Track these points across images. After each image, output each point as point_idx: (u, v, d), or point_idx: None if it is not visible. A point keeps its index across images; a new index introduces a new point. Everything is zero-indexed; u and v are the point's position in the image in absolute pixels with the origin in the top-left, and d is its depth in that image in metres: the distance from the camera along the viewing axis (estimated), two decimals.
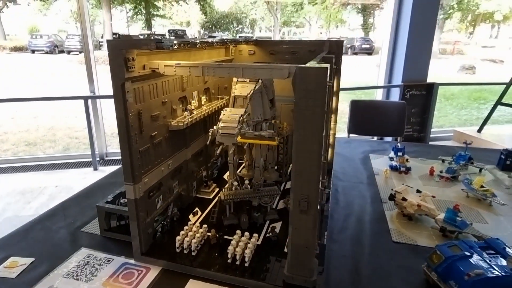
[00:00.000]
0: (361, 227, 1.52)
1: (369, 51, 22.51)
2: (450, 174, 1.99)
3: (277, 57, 1.94)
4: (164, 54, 1.29)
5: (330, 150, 2.05)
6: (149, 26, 23.36)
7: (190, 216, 1.50)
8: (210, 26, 25.30)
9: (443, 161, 2.24)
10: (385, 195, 1.79)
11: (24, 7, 22.13)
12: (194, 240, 1.24)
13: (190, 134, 1.52)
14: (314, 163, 0.96)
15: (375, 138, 5.40)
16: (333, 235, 1.45)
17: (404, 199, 1.56)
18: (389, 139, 5.10)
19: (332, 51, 1.79)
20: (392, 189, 1.64)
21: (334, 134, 2.01)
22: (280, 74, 1.00)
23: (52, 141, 6.06)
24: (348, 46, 22.89)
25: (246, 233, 1.29)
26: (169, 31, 20.80)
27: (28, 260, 1.24)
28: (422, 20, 4.99)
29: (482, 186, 1.75)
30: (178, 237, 1.26)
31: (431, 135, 5.81)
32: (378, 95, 5.89)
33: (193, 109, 1.53)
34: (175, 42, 1.06)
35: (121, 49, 0.99)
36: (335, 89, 1.88)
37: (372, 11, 26.64)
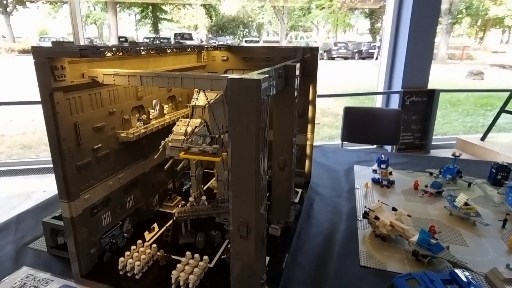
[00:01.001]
0: (329, 248, 1.41)
1: (376, 56, 22.30)
2: (435, 189, 1.86)
3: (251, 63, 1.85)
4: (113, 61, 1.21)
5: (307, 162, 1.94)
6: (156, 29, 23.57)
7: (146, 233, 1.41)
8: (216, 30, 25.39)
9: (430, 174, 2.11)
10: (361, 212, 1.68)
11: (33, 10, 22.55)
12: (137, 263, 1.14)
13: (148, 145, 1.44)
14: (251, 186, 0.86)
15: (375, 146, 5.27)
16: (297, 256, 1.35)
17: (376, 218, 1.45)
18: (388, 147, 4.96)
19: (306, 57, 1.69)
20: (365, 206, 1.53)
21: (312, 145, 1.91)
22: (220, 85, 0.91)
23: (47, 145, 6.05)
24: (355, 50, 22.73)
25: (196, 255, 1.19)
26: (175, 34, 20.89)
27: None
28: (422, 25, 4.85)
29: (466, 204, 1.62)
30: (121, 258, 1.17)
31: (432, 143, 5.63)
32: (378, 101, 5.75)
33: (151, 119, 1.44)
34: (113, 49, 0.98)
35: (47, 56, 0.92)
36: (310, 97, 1.78)
37: (379, 16, 26.42)
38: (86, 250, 1.16)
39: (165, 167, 1.28)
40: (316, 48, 1.70)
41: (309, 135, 1.87)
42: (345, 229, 1.54)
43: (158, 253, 1.23)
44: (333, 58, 20.97)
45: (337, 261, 1.33)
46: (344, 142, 3.59)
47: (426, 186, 1.91)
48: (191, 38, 20.39)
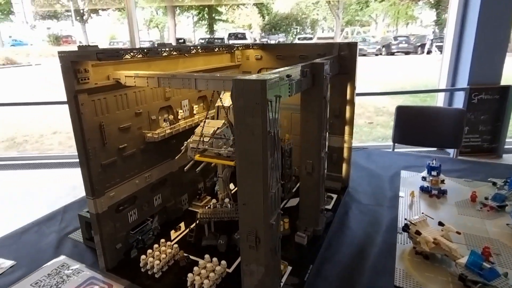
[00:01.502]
0: (361, 262, 1.29)
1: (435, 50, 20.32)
2: (497, 202, 1.60)
3: (284, 62, 1.78)
4: (140, 63, 1.23)
5: (344, 166, 1.81)
6: (211, 30, 24.41)
7: (172, 232, 1.42)
8: (269, 28, 25.45)
9: (493, 184, 1.83)
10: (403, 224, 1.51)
11: (105, 17, 24.91)
12: (157, 262, 1.16)
13: (176, 145, 1.45)
14: (259, 195, 0.80)
15: (434, 149, 4.79)
16: (323, 268, 1.25)
17: (418, 233, 1.28)
18: (450, 151, 4.47)
19: (343, 54, 1.56)
20: (405, 218, 1.37)
21: (350, 148, 1.77)
22: (231, 86, 0.86)
23: None
24: (418, 44, 21.00)
25: (214, 259, 1.16)
26: (229, 34, 21.43)
27: (9, 263, 1.29)
28: (495, 12, 4.25)
29: None
30: (143, 256, 1.19)
31: (505, 146, 4.95)
32: (440, 100, 5.22)
33: (179, 119, 1.45)
34: (130, 52, 0.99)
35: (70, 60, 0.96)
36: (348, 97, 1.65)
37: (447, 5, 24.07)
38: (111, 245, 1.20)
39: (185, 168, 1.28)
40: (355, 44, 1.56)
41: (346, 137, 1.73)
42: (382, 242, 1.40)
43: (179, 254, 1.23)
44: (392, 53, 19.63)
45: (368, 277, 1.20)
46: (395, 144, 3.31)
47: (486, 199, 1.66)
48: (244, 38, 20.71)
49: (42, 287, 1.17)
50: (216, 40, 19.75)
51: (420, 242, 1.26)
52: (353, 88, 1.64)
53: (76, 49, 0.95)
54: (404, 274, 1.21)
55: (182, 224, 1.47)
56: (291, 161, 1.71)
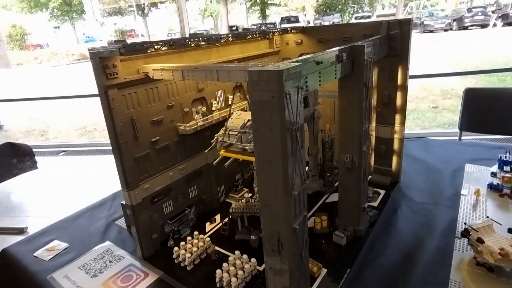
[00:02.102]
0: (408, 268, 1.15)
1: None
2: None
3: (326, 45, 1.63)
4: (171, 55, 1.22)
5: (395, 158, 1.63)
6: (264, 15, 24.16)
7: (207, 224, 1.43)
8: (324, 9, 24.33)
9: None
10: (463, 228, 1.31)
11: (163, 10, 26.17)
12: (188, 255, 1.16)
13: (211, 136, 1.43)
14: (279, 196, 0.73)
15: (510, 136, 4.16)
16: (362, 273, 1.14)
17: (480, 241, 1.10)
18: None
19: (393, 34, 1.37)
20: (464, 223, 1.18)
21: (401, 139, 1.59)
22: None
23: None
24: (499, 15, 18.27)
25: (244, 256, 1.13)
26: (281, 18, 20.99)
27: (64, 246, 1.41)
28: None
29: None
30: (175, 248, 1.21)
31: None
32: None
33: (213, 111, 1.42)
34: (155, 45, 0.97)
35: (98, 57, 0.97)
36: (399, 81, 1.46)
37: None
38: (147, 235, 1.24)
39: (214, 162, 1.25)
40: (408, 22, 1.36)
41: (397, 127, 1.55)
42: (435, 248, 1.23)
43: (211, 248, 1.22)
44: (465, 28, 17.40)
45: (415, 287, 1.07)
46: (463, 132, 2.93)
47: None
48: (297, 21, 20.11)
49: (88, 270, 1.25)
50: (268, 26, 19.50)
51: (482, 251, 1.08)
52: (406, 71, 1.45)
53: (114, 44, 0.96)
54: None
55: (217, 216, 1.46)
56: (333, 153, 1.59)
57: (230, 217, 1.30)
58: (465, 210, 1.44)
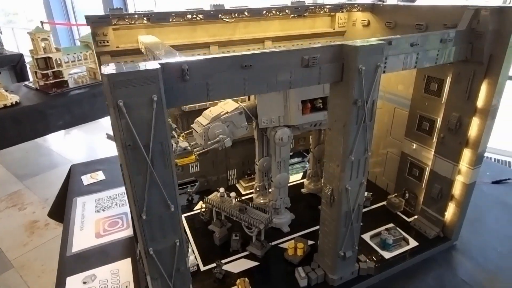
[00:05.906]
0: None
1: None
2: None
3: (394, 32, 1.20)
4: (182, 26, 1.16)
5: (452, 206, 1.16)
6: None
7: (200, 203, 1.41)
8: None
9: None
10: None
11: None
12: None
13: None
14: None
15: None
16: None
17: None
18: None
19: (478, 28, 0.88)
20: None
21: (468, 184, 1.10)
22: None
23: None
24: None
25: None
26: None
27: (101, 178, 1.70)
28: None
29: None
30: None
31: None
32: None
33: None
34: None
35: (91, 23, 1.01)
36: (481, 104, 1.01)
37: None
38: None
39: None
40: (508, 10, 0.83)
41: (464, 167, 1.06)
42: None
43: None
44: None
45: None
46: None
47: None
48: None
49: (97, 205, 1.49)
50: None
51: None
52: (494, 88, 0.93)
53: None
54: None
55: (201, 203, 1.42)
56: None
57: (203, 208, 1.26)
58: None
